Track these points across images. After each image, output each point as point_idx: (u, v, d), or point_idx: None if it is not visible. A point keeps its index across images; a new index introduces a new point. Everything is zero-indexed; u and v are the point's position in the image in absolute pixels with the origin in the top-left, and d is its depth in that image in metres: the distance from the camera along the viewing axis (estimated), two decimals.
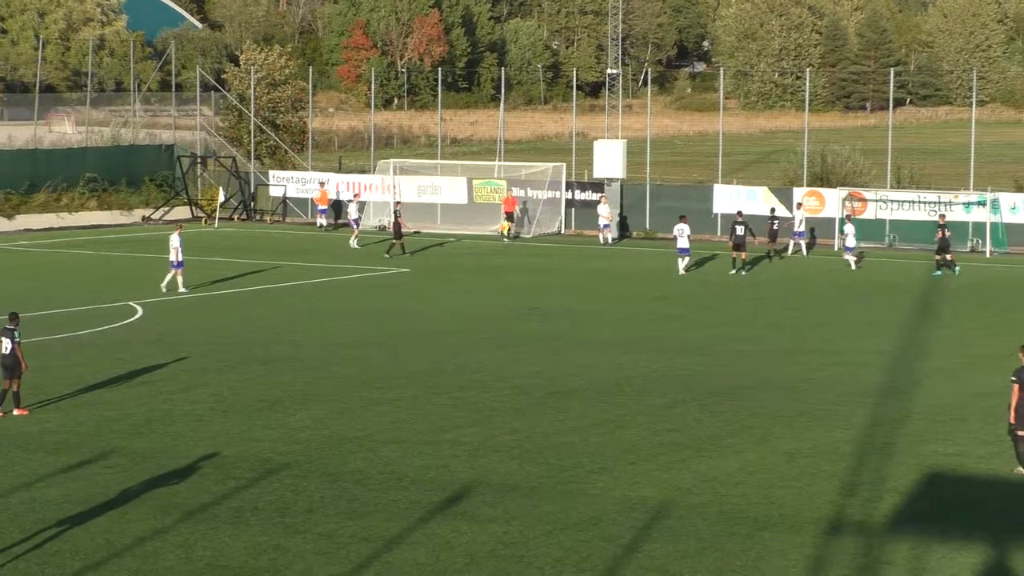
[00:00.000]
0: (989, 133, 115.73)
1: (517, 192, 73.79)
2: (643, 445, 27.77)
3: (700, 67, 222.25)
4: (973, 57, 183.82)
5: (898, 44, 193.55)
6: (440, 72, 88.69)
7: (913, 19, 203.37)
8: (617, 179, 71.96)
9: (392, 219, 63.73)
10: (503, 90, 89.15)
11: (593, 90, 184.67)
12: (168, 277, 49.61)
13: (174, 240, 49.40)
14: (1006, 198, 67.39)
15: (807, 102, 79.72)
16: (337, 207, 76.52)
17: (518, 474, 25.59)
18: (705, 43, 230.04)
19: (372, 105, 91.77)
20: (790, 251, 63.09)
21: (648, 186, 73.85)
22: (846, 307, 48.29)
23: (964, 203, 66.86)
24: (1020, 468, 25.85)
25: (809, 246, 64.02)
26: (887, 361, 37.46)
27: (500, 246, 66.50)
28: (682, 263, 56.10)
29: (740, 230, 57.02)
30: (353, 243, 64.79)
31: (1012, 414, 25.92)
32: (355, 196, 65.88)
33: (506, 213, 70.48)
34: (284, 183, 79.00)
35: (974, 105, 79.32)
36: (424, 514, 23.03)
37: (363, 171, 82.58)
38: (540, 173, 74.66)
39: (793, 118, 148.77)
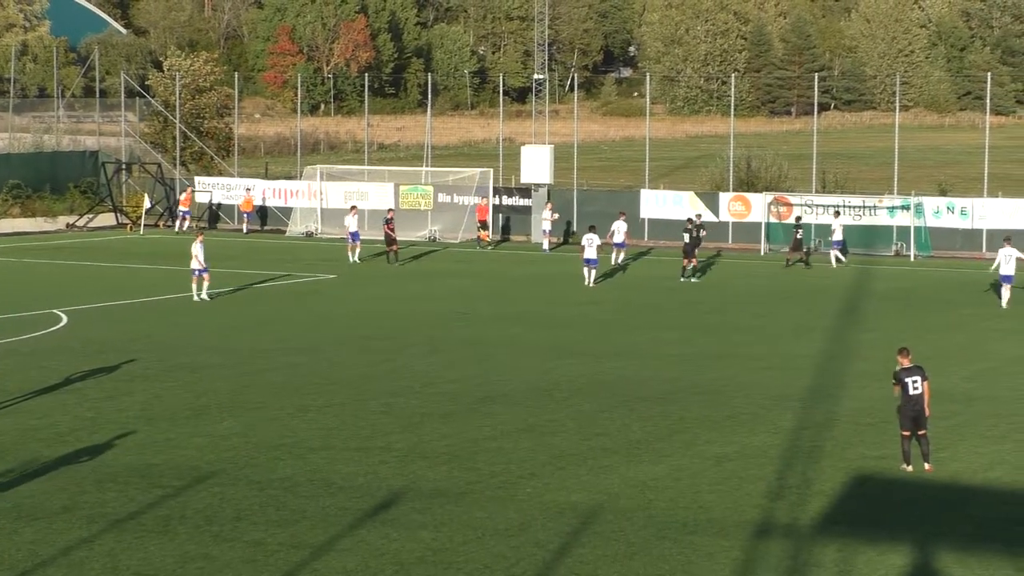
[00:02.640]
0: (913, 137, 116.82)
1: (443, 198, 73.79)
2: (572, 450, 27.78)
3: (626, 72, 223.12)
4: (896, 62, 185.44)
5: (822, 49, 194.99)
6: (367, 78, 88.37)
7: (837, 24, 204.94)
8: (544, 184, 72.07)
9: (384, 227, 62.61)
10: (430, 95, 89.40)
11: (520, 95, 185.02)
12: (195, 286, 49.56)
13: (196, 248, 49.41)
14: (930, 202, 67.99)
15: (732, 107, 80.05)
16: (263, 213, 76.29)
17: (447, 480, 25.55)
18: (631, 48, 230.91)
19: (298, 111, 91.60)
20: (833, 263, 61.53)
21: (576, 191, 74.00)
22: (773, 311, 48.54)
23: (888, 207, 67.40)
24: (905, 466, 26.25)
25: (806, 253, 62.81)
26: (814, 364, 37.68)
27: (423, 250, 66.37)
28: (591, 274, 54.53)
29: (687, 236, 56.96)
30: (353, 258, 62.17)
31: (903, 415, 26.42)
32: (352, 209, 64.32)
33: (480, 221, 70.43)
34: (210, 189, 78.66)
35: (897, 110, 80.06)
36: (353, 521, 22.95)
37: (290, 177, 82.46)
38: (467, 179, 74.68)
39: (719, 123, 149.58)
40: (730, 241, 70.16)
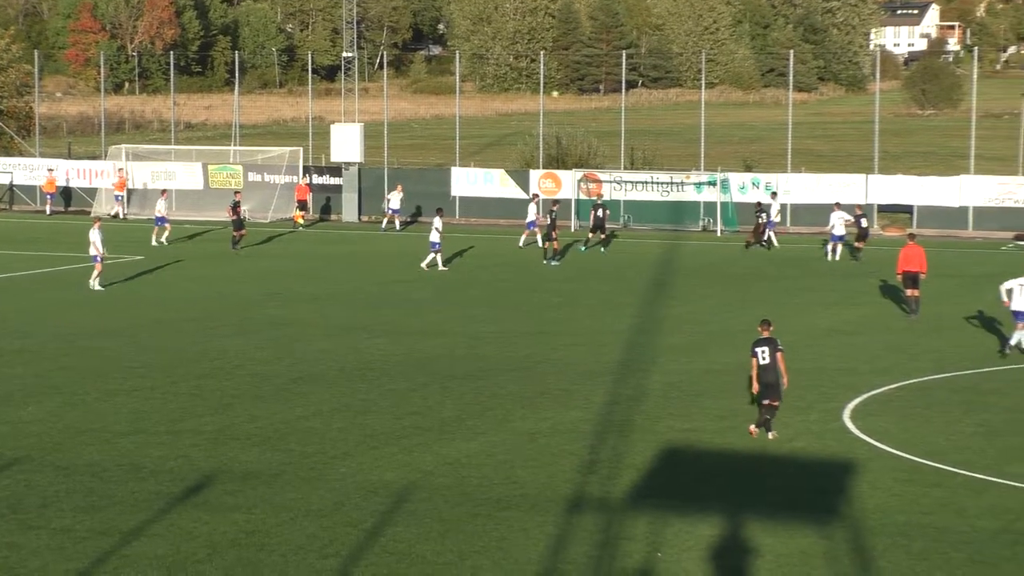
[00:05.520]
0: (718, 114, 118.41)
1: (253, 177, 73.15)
2: (385, 429, 27.74)
3: (436, 50, 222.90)
4: (702, 40, 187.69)
5: (630, 27, 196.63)
6: (172, 56, 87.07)
7: (644, 2, 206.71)
8: (355, 163, 71.79)
9: (231, 209, 60.66)
10: (237, 74, 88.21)
11: (329, 74, 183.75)
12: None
13: (93, 235, 47.66)
14: (735, 178, 69.05)
15: (542, 85, 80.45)
16: (67, 194, 74.91)
17: (259, 462, 25.35)
18: (440, 26, 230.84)
19: (102, 89, 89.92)
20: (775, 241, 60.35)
21: (386, 170, 73.83)
22: (584, 288, 48.91)
23: (695, 183, 68.30)
24: (766, 432, 26.93)
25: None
26: (624, 340, 38.05)
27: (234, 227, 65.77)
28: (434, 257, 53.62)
29: (547, 219, 56.28)
30: (158, 240, 60.80)
31: (755, 384, 26.96)
32: (163, 193, 62.77)
33: (299, 201, 69.78)
34: (10, 170, 77.02)
35: (703, 87, 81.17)
36: (164, 505, 22.66)
37: (94, 157, 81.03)
38: (277, 158, 74.18)
39: (529, 101, 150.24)
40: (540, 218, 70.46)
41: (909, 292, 42.37)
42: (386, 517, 22.02)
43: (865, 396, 30.85)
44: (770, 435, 26.86)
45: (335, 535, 21.21)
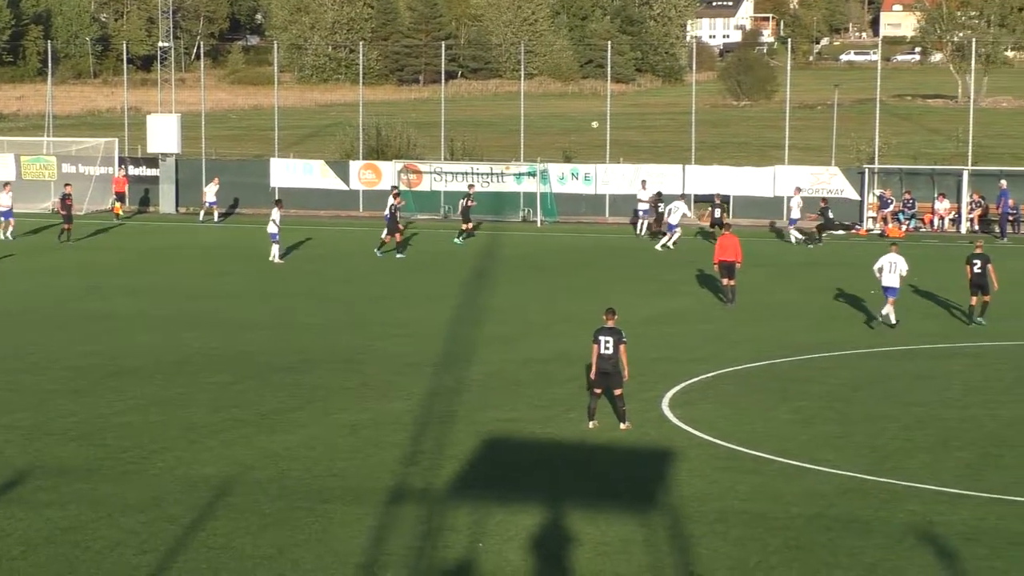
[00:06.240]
0: (538, 105, 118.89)
1: (67, 168, 72.04)
2: (205, 423, 27.47)
3: (254, 40, 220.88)
4: (521, 31, 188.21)
5: (449, 18, 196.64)
6: None
7: None
8: (172, 154, 70.97)
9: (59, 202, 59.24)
10: (50, 64, 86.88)
11: (145, 63, 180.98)
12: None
13: None
14: (555, 168, 69.49)
15: (361, 75, 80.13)
16: None
17: (76, 457, 24.94)
18: (258, 16, 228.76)
19: None
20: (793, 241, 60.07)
21: (204, 161, 73.10)
22: (405, 279, 48.89)
23: (515, 174, 68.59)
24: (590, 423, 27.08)
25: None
26: (445, 331, 38.11)
27: (49, 223, 64.60)
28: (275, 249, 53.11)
29: (387, 212, 55.87)
30: (4, 235, 59.12)
31: (593, 371, 27.12)
32: (5, 186, 61.16)
33: (116, 193, 68.68)
34: None
35: (523, 78, 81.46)
36: None
37: None
38: (92, 149, 73.06)
39: (348, 91, 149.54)
40: (361, 209, 70.37)
41: (725, 281, 43.00)
42: (205, 512, 21.81)
43: (683, 385, 31.23)
44: (623, 426, 26.98)
45: (153, 531, 20.95)
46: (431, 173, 69.43)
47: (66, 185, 62.13)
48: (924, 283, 45.20)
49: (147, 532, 20.90)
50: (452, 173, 69.51)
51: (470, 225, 60.38)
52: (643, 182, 63.82)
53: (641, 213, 62.48)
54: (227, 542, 20.49)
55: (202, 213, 66.89)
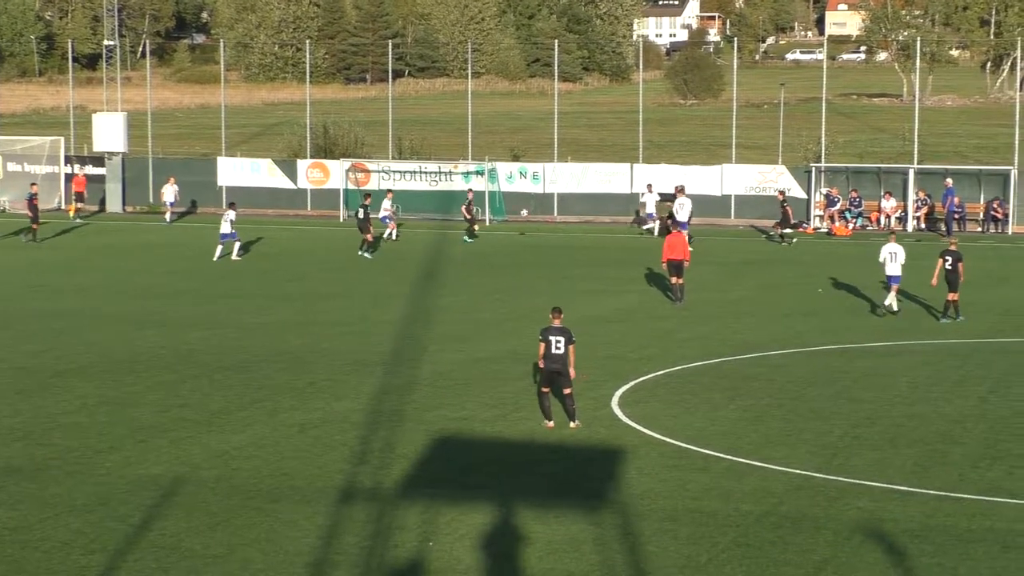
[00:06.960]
0: (485, 104, 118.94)
1: (13, 167, 71.59)
2: (153, 422, 27.33)
3: (200, 39, 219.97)
4: (468, 29, 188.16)
5: (396, 16, 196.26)
6: None
7: None
8: (119, 153, 70.62)
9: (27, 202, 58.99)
10: None
11: (91, 62, 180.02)
12: None
13: None
14: (503, 167, 69.53)
15: (308, 74, 79.98)
16: None
17: (22, 457, 24.77)
18: (204, 15, 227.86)
19: None
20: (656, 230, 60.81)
21: (151, 159, 72.79)
22: (353, 278, 48.79)
23: (463, 172, 68.56)
24: (546, 422, 27.04)
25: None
26: (395, 330, 38.05)
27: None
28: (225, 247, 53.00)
29: (361, 212, 55.47)
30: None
31: (542, 369, 27.08)
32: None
33: (76, 192, 68.31)
34: None
35: (470, 77, 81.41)
36: None
37: None
38: (37, 148, 72.64)
39: (295, 90, 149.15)
40: (309, 208, 70.23)
41: (674, 280, 43.09)
42: (154, 511, 21.70)
43: (633, 383, 31.28)
44: (572, 424, 26.98)
45: (101, 530, 20.83)
46: (379, 172, 69.30)
47: (32, 185, 61.86)
48: (875, 281, 45.43)
49: (95, 532, 20.77)
50: (400, 172, 69.41)
51: (476, 227, 60.21)
52: (648, 185, 64.14)
53: (650, 216, 62.82)
54: (176, 542, 20.39)
55: (168, 215, 66.14)
